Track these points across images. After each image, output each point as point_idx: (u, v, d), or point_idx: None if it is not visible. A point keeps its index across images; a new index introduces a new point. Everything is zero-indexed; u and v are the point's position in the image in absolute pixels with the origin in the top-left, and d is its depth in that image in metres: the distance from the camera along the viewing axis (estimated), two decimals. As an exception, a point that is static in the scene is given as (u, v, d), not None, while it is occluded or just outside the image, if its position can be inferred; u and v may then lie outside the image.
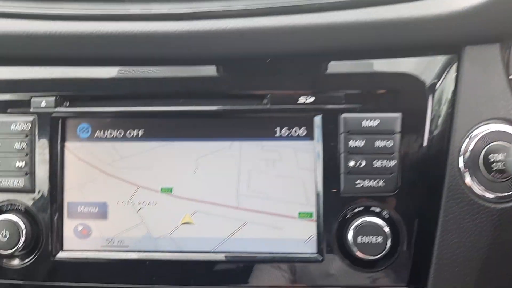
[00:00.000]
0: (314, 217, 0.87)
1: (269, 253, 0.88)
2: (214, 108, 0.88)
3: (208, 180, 0.89)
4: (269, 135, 0.88)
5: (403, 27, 0.82)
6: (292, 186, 0.88)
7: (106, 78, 0.89)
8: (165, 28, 0.83)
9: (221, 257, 0.88)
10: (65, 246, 0.90)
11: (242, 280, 0.88)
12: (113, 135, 0.91)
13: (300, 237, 0.88)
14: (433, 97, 0.85)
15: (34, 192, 0.89)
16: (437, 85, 0.84)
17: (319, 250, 0.87)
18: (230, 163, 0.89)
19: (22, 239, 0.87)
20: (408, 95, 0.85)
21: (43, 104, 0.89)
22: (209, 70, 0.89)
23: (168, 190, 0.89)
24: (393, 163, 0.85)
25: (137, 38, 0.84)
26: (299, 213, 0.88)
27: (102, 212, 0.90)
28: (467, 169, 0.82)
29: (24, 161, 0.89)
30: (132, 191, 0.90)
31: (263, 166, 0.88)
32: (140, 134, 0.90)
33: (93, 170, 0.90)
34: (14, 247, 0.87)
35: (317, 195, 0.87)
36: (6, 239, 0.87)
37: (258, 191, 0.88)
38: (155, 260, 0.88)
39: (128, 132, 0.90)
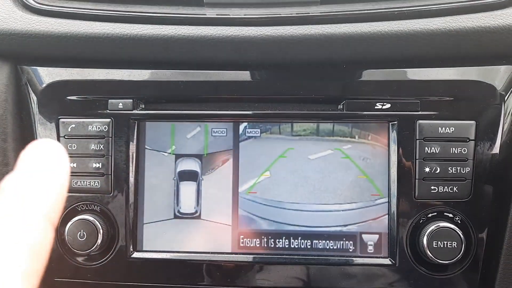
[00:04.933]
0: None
1: (339, 256, 0.89)
2: (289, 112, 0.90)
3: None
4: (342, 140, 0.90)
5: (481, 35, 0.83)
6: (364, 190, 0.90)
7: (183, 81, 0.90)
8: (244, 33, 0.85)
9: (287, 259, 0.89)
10: (140, 247, 0.91)
11: (311, 282, 0.89)
12: (188, 138, 0.92)
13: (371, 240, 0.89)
14: (506, 105, 0.86)
15: (110, 193, 0.90)
16: (510, 93, 0.86)
17: (391, 254, 0.88)
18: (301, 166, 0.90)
19: (99, 240, 0.88)
20: (482, 103, 0.87)
21: (120, 106, 0.90)
22: (285, 75, 0.90)
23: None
24: (467, 169, 0.86)
25: (215, 42, 0.85)
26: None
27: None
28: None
29: (100, 163, 0.90)
30: (206, 193, 0.91)
31: (334, 169, 0.90)
32: (215, 137, 0.92)
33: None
34: (92, 247, 0.88)
35: (390, 200, 0.88)
36: (83, 239, 0.88)
37: (329, 193, 0.90)
38: (234, 261, 0.90)
39: (203, 135, 0.92)
